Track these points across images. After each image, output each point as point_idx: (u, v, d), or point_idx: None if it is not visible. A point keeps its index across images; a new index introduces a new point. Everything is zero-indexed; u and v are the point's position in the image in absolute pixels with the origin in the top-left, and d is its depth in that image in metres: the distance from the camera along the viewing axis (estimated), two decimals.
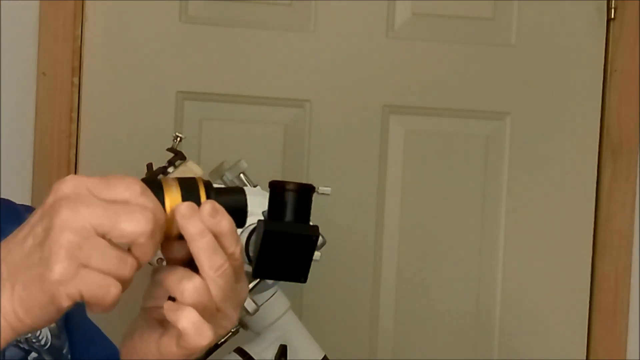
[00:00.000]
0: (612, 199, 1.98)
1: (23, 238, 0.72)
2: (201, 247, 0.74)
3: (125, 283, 0.71)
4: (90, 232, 0.70)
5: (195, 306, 0.74)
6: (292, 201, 0.86)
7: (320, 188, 0.90)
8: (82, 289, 0.69)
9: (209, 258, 0.74)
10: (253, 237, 0.91)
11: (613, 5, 1.96)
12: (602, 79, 1.98)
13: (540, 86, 1.96)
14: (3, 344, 0.71)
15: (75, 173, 1.80)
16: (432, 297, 1.94)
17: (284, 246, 0.87)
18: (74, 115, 1.80)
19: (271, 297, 1.25)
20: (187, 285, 0.74)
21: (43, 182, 1.78)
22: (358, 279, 1.91)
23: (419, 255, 1.94)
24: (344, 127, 1.89)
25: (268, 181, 0.88)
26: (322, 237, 0.90)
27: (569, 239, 1.97)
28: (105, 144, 1.82)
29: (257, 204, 1.05)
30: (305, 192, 0.87)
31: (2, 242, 0.73)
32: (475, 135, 1.96)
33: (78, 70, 1.80)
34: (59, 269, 0.69)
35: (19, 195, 1.76)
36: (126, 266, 0.71)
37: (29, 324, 0.71)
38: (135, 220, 0.70)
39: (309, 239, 0.88)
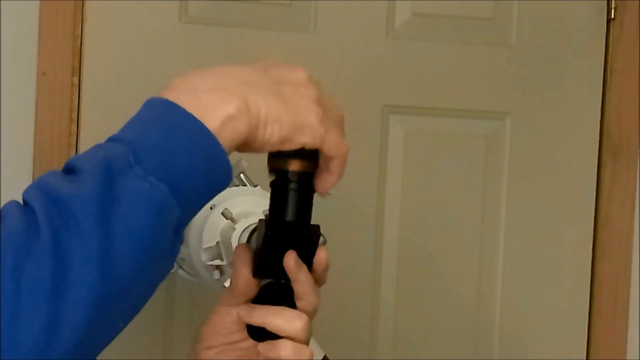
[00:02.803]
0: (612, 199, 1.98)
1: (260, 70, 0.78)
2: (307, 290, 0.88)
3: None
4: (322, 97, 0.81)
5: (305, 340, 0.88)
6: (293, 201, 0.86)
7: None
8: (327, 135, 0.79)
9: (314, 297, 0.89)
10: (254, 237, 0.91)
11: (613, 5, 1.96)
12: (602, 79, 1.98)
13: (540, 86, 1.96)
14: (232, 144, 0.75)
15: None
16: (432, 297, 1.94)
17: (285, 246, 0.87)
18: (74, 115, 1.80)
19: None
20: (299, 324, 0.87)
21: None
22: (358, 279, 1.91)
23: (419, 255, 1.94)
24: (344, 127, 1.89)
25: (268, 181, 0.88)
26: (323, 236, 0.90)
27: (569, 239, 1.97)
28: None
29: (258, 204, 1.05)
30: (307, 191, 0.87)
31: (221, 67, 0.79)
32: (475, 135, 1.96)
33: (78, 70, 1.80)
34: (315, 115, 0.78)
35: (19, 195, 1.76)
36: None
37: (261, 137, 0.77)
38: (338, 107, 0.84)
39: (310, 239, 0.88)
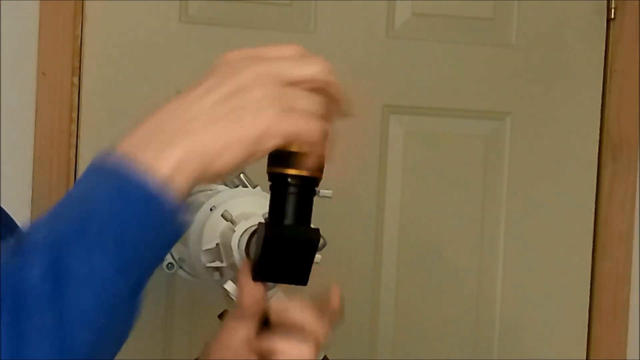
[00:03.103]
0: (612, 199, 1.98)
1: (199, 96, 0.75)
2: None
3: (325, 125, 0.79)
4: (280, 82, 0.76)
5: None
6: (293, 204, 0.86)
7: (321, 191, 0.89)
8: (288, 129, 0.75)
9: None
10: (254, 239, 0.91)
11: (613, 5, 1.96)
12: (602, 79, 1.98)
13: (540, 86, 1.96)
14: (187, 190, 0.73)
15: (75, 173, 1.80)
16: (432, 297, 1.94)
17: (285, 249, 0.87)
18: (74, 115, 1.80)
19: (271, 297, 1.25)
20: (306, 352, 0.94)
21: (43, 182, 1.78)
22: (358, 279, 1.91)
23: (419, 255, 1.94)
24: (344, 127, 1.89)
25: (268, 182, 0.88)
26: (323, 239, 0.90)
27: (569, 239, 1.97)
28: (105, 144, 1.81)
29: (258, 205, 1.04)
30: (307, 194, 0.87)
31: (162, 107, 0.76)
32: (475, 135, 1.96)
33: (78, 70, 1.80)
34: (266, 116, 0.74)
35: (19, 196, 1.76)
36: (319, 105, 0.78)
37: (218, 168, 0.74)
38: (313, 62, 0.79)
39: (310, 243, 0.88)
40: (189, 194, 0.74)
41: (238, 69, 0.77)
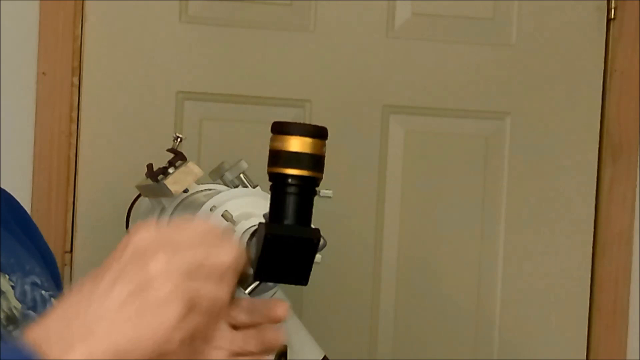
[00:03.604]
0: (612, 199, 1.98)
1: (105, 291, 0.74)
2: None
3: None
4: (188, 274, 0.74)
5: None
6: (293, 204, 0.86)
7: (322, 191, 0.89)
8: (195, 323, 0.74)
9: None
10: (254, 240, 0.91)
11: (613, 5, 1.96)
12: (602, 79, 1.98)
13: (540, 86, 1.96)
14: None
15: (76, 173, 1.80)
16: (432, 297, 1.94)
17: (285, 250, 0.87)
18: (74, 115, 1.80)
19: (271, 298, 1.25)
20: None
21: (43, 182, 1.78)
22: (358, 279, 1.91)
23: (419, 255, 1.94)
24: (344, 127, 1.89)
25: (268, 181, 0.88)
26: (323, 238, 0.89)
27: (569, 239, 1.97)
28: (105, 144, 1.82)
29: (258, 206, 1.04)
30: (307, 194, 0.87)
31: (71, 296, 0.74)
32: (475, 135, 1.96)
33: (78, 70, 1.80)
34: (172, 312, 0.73)
35: (19, 196, 1.75)
36: (226, 292, 0.76)
37: None
38: (224, 250, 0.76)
39: (310, 243, 0.88)
40: None
41: (145, 260, 0.74)
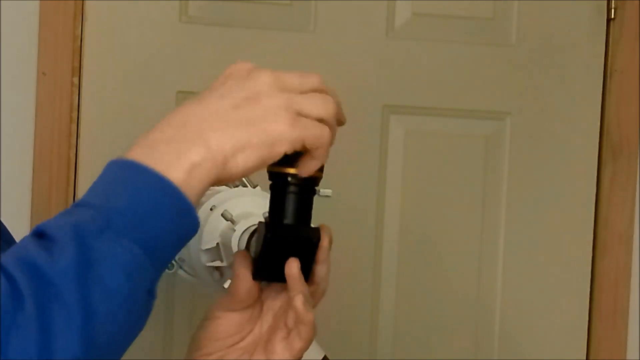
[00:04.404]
0: (612, 199, 1.98)
1: (216, 100, 0.79)
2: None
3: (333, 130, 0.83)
4: (291, 90, 0.80)
5: None
6: (293, 203, 0.86)
7: (321, 190, 0.89)
8: (299, 135, 0.79)
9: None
10: (254, 239, 0.91)
11: (613, 5, 1.96)
12: (602, 79, 1.98)
13: (540, 86, 1.96)
14: (202, 190, 0.76)
15: (75, 173, 1.80)
16: (432, 297, 1.94)
17: (285, 249, 0.87)
18: (74, 115, 1.80)
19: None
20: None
21: (43, 182, 1.78)
22: (358, 279, 1.91)
23: (419, 255, 1.94)
24: (344, 126, 1.88)
25: (268, 181, 0.88)
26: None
27: (569, 239, 1.97)
28: (105, 144, 1.81)
29: (258, 205, 1.04)
30: (307, 194, 0.87)
31: (187, 104, 0.79)
32: (475, 135, 1.96)
33: (78, 70, 1.80)
34: (280, 122, 0.78)
35: (19, 196, 1.76)
36: (330, 108, 0.82)
37: (232, 171, 0.77)
38: (315, 76, 0.83)
39: (310, 242, 0.88)
40: (204, 193, 0.77)
41: (251, 77, 0.79)
